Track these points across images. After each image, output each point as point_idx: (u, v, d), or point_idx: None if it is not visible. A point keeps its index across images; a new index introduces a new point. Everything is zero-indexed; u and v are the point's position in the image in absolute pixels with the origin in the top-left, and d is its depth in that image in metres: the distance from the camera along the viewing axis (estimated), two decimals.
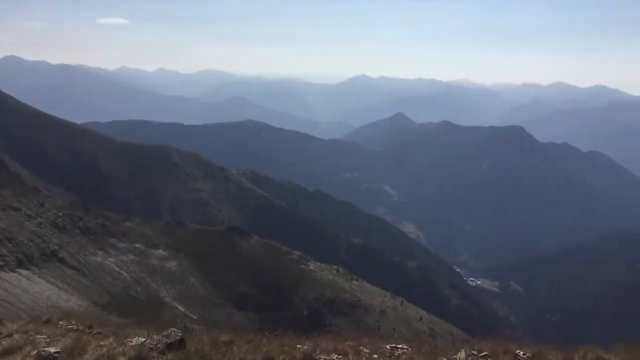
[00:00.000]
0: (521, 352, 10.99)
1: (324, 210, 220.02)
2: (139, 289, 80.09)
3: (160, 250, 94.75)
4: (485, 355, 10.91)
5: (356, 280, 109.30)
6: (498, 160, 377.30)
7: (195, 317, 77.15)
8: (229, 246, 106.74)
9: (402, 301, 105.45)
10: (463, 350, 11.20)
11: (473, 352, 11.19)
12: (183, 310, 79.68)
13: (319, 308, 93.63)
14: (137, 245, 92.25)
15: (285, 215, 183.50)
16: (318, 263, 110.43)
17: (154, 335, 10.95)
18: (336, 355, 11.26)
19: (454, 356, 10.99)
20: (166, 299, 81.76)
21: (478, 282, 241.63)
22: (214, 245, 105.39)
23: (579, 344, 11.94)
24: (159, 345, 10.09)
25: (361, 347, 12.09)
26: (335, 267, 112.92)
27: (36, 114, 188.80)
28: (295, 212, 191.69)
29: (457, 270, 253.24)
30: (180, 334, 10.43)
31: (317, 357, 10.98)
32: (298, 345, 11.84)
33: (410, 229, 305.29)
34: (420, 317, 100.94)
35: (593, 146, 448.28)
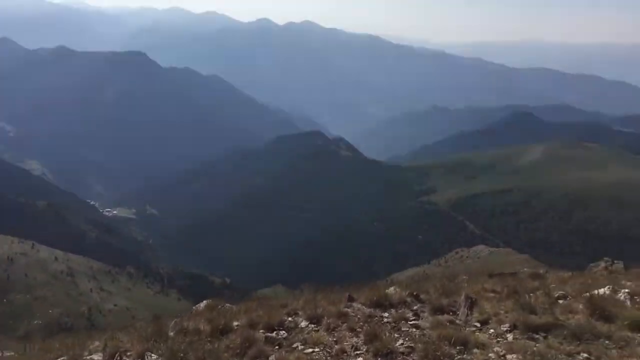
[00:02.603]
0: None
1: None
2: None
3: None
4: None
5: None
6: (122, 87, 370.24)
7: None
8: None
9: (33, 244, 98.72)
10: None
11: None
12: None
13: None
14: None
15: None
16: None
17: None
18: None
19: None
20: None
21: (114, 212, 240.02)
22: None
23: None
24: None
25: None
26: None
27: None
28: None
29: (92, 203, 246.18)
30: None
31: None
32: None
33: (34, 165, 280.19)
34: (56, 258, 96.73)
35: (211, 70, 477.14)
